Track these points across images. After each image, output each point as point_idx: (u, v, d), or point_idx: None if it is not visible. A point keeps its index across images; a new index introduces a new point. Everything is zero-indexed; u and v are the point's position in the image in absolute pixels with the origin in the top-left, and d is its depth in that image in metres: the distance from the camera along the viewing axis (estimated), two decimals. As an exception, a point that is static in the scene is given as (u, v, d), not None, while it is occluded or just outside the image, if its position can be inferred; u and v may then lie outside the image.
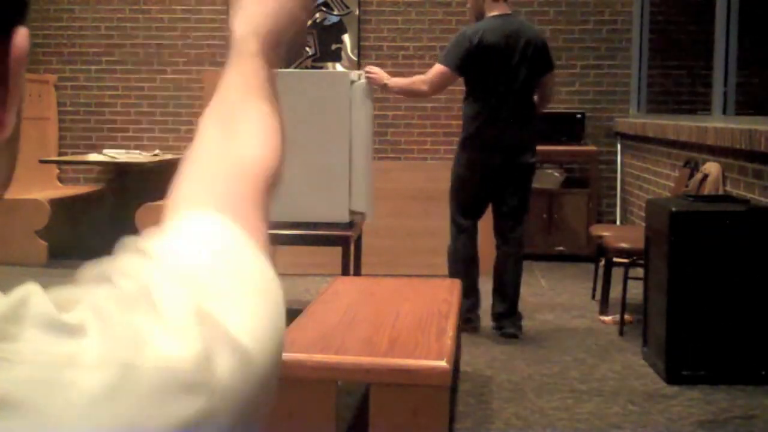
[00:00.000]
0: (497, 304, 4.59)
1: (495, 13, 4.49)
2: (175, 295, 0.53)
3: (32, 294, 0.49)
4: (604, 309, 4.89)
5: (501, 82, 4.45)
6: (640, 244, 4.25)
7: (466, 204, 4.59)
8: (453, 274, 4.47)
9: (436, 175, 4.83)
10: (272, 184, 0.73)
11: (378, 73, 4.42)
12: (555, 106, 6.95)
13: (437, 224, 4.85)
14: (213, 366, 0.50)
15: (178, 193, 0.67)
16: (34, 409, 0.45)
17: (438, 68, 4.48)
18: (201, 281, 0.55)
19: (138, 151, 6.93)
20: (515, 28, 4.51)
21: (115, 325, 0.49)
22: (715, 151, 4.65)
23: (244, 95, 0.81)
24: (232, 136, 0.75)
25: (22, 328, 0.47)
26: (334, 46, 7.07)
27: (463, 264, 4.56)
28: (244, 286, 0.57)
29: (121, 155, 6.69)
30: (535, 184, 6.59)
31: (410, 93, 4.77)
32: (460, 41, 4.45)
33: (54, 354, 0.47)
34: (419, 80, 4.56)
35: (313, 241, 4.56)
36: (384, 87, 4.51)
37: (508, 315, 4.56)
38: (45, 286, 0.51)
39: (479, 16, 4.56)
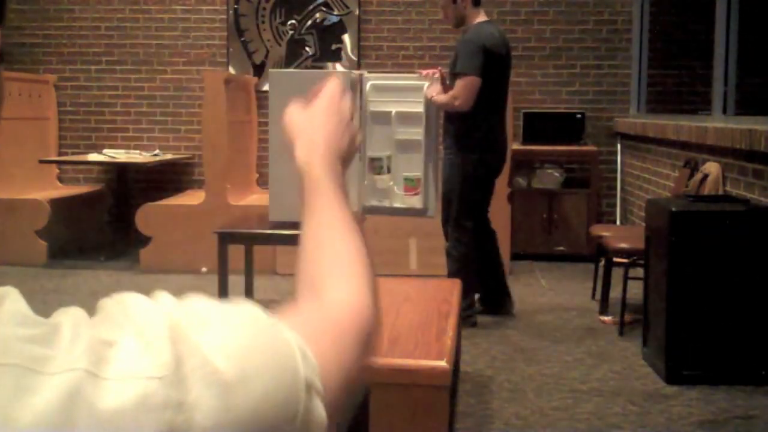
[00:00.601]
0: (496, 287, 4.84)
1: (480, 19, 4.63)
2: (153, 314, 0.52)
3: (9, 293, 0.49)
4: (604, 309, 4.89)
5: (501, 85, 4.63)
6: (640, 244, 4.25)
7: (474, 205, 4.69)
8: (457, 273, 4.50)
9: (436, 175, 4.85)
10: (364, 331, 0.68)
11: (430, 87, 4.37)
12: (555, 106, 6.96)
13: (437, 224, 4.86)
14: (182, 382, 0.48)
15: None
16: None
17: (466, 81, 4.42)
18: (188, 311, 0.53)
19: (138, 151, 6.93)
20: (503, 34, 4.72)
21: (87, 336, 0.49)
22: (715, 151, 4.64)
23: (325, 241, 0.80)
24: (320, 296, 0.73)
25: None
26: (334, 46, 7.07)
27: (469, 264, 4.67)
28: (239, 328, 0.54)
29: (121, 155, 6.69)
30: (535, 184, 6.63)
31: (449, 110, 4.67)
32: (475, 49, 4.47)
33: (23, 356, 0.46)
34: (451, 98, 4.42)
35: (313, 241, 4.55)
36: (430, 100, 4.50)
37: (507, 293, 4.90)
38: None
39: (460, 22, 4.66)
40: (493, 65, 4.50)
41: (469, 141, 4.61)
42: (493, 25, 4.70)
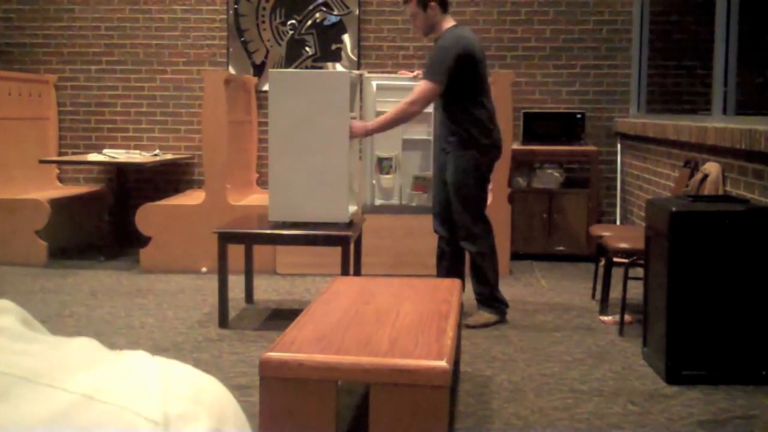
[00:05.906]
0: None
1: (450, 24, 4.65)
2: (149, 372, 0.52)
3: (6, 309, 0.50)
4: (604, 309, 4.89)
5: (485, 82, 4.66)
6: (640, 244, 4.25)
7: (485, 201, 4.76)
8: (496, 267, 4.71)
9: (436, 175, 4.86)
10: None
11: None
12: (555, 106, 6.96)
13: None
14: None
15: None
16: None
17: (426, 87, 4.50)
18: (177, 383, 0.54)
19: (138, 151, 6.93)
20: (474, 35, 4.72)
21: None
22: (715, 151, 4.65)
23: None
24: None
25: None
26: (334, 46, 7.07)
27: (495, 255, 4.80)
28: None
29: (121, 155, 6.69)
30: (535, 184, 6.63)
31: (405, 116, 4.64)
32: (446, 56, 4.49)
33: (18, 367, 0.47)
34: (408, 104, 4.53)
35: (313, 241, 4.57)
36: (367, 132, 4.64)
37: None
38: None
39: (429, 30, 4.68)
40: (471, 66, 4.52)
41: (478, 141, 4.61)
42: (463, 28, 4.69)
